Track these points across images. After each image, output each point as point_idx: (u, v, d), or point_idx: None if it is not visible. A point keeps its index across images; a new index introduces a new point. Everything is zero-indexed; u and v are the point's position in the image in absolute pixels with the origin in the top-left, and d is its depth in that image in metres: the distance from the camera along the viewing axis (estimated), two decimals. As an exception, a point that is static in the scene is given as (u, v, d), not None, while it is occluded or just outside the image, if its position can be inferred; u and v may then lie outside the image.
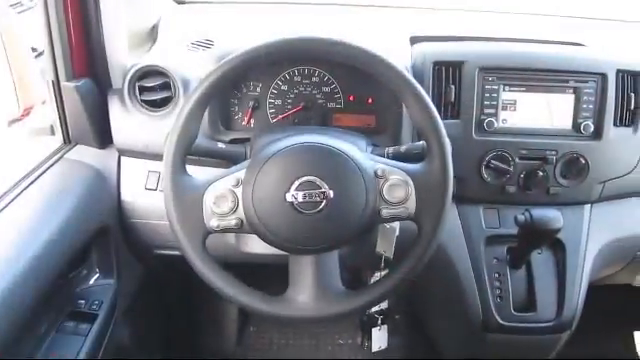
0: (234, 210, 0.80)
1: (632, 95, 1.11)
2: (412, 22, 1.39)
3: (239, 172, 0.81)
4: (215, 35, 1.20)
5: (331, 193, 0.77)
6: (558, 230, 0.98)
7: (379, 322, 1.26)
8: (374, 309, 1.26)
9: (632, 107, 1.11)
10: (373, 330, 1.25)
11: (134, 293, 1.32)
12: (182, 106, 0.81)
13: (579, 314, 1.12)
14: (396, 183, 0.81)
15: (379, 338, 1.25)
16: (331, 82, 1.09)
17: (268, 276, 1.05)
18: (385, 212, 0.81)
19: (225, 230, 0.81)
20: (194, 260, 0.80)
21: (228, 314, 1.77)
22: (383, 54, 0.82)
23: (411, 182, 0.81)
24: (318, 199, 0.77)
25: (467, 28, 1.31)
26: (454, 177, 1.08)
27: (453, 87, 1.07)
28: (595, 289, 1.38)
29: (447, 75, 1.08)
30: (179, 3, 1.48)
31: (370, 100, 1.10)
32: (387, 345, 1.27)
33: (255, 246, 1.11)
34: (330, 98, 1.10)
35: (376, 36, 1.27)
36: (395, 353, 1.66)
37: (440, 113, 1.06)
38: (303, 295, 0.82)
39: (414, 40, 1.21)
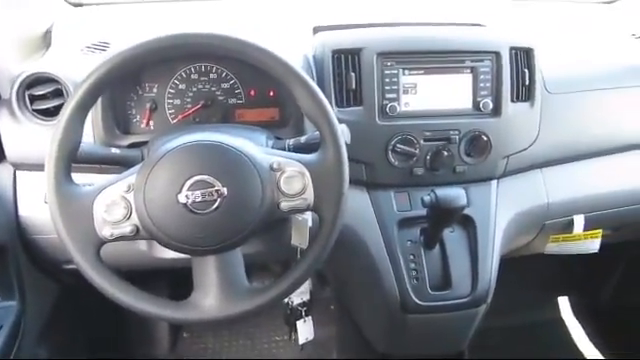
0: (128, 217, 0.77)
1: (526, 71, 1.15)
2: (317, 12, 1.39)
3: (130, 177, 0.78)
4: (112, 37, 1.16)
5: (225, 191, 0.75)
6: (463, 207, 1.00)
7: (303, 314, 1.26)
8: (296, 302, 1.26)
9: (527, 83, 1.15)
10: (298, 323, 1.25)
11: (50, 310, 1.26)
12: (61, 112, 0.77)
13: (493, 287, 1.15)
14: (292, 175, 0.80)
15: (305, 330, 1.25)
16: (230, 78, 1.07)
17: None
18: (284, 205, 0.80)
19: (120, 238, 0.78)
20: (88, 272, 0.77)
21: (158, 321, 1.73)
22: (269, 47, 0.81)
23: (307, 173, 0.80)
24: (212, 198, 0.75)
25: (370, 15, 1.32)
26: (363, 163, 1.12)
27: (353, 74, 1.08)
28: (515, 260, 1.44)
29: (347, 63, 1.08)
30: (75, 6, 1.41)
31: (272, 93, 1.09)
32: (314, 336, 1.27)
33: (167, 251, 1.07)
34: (230, 94, 1.08)
35: (280, 28, 1.27)
36: (329, 343, 1.67)
37: (342, 101, 1.09)
38: (208, 297, 0.80)
39: (317, 30, 1.20)
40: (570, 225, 1.27)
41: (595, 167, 1.27)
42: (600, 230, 1.32)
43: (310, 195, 0.81)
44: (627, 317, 1.83)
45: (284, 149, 0.94)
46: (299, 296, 1.28)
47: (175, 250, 0.80)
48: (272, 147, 0.95)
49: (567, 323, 1.90)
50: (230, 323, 0.83)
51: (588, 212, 1.27)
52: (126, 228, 0.77)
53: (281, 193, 0.80)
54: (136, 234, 0.78)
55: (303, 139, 0.93)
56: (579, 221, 1.26)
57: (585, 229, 1.28)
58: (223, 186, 0.75)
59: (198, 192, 0.75)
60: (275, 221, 1.00)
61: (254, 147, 0.81)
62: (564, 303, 1.95)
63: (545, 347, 1.81)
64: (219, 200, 0.75)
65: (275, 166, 0.80)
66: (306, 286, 1.31)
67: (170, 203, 0.75)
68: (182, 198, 0.75)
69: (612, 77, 1.28)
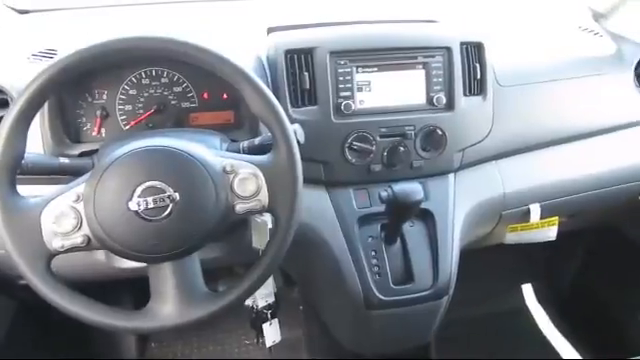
0: (78, 227, 0.75)
1: (477, 65, 1.17)
2: (272, 13, 1.39)
3: (79, 186, 0.76)
4: (59, 44, 1.13)
5: (177, 196, 0.74)
6: (420, 202, 1.01)
7: (269, 317, 1.25)
8: (261, 305, 1.26)
9: (478, 77, 1.17)
10: (264, 326, 1.24)
11: (8, 328, 1.23)
12: (2, 122, 0.75)
13: (454, 279, 1.16)
14: (246, 177, 0.80)
15: (272, 332, 1.25)
16: (182, 81, 1.06)
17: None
18: (239, 207, 0.80)
19: (72, 249, 0.76)
20: (38, 286, 0.75)
21: (125, 333, 1.69)
22: (216, 49, 0.80)
23: (261, 174, 0.80)
24: (164, 204, 0.74)
25: (323, 15, 1.32)
26: (320, 163, 1.12)
27: (307, 74, 1.08)
28: (478, 251, 1.46)
29: (300, 62, 1.08)
30: (21, 13, 1.38)
31: (225, 96, 1.08)
32: (282, 337, 1.27)
33: (125, 261, 1.05)
34: (183, 98, 1.07)
35: (234, 29, 1.26)
36: (299, 344, 1.67)
37: (297, 101, 1.09)
38: (166, 304, 0.79)
39: (270, 31, 1.20)
40: (527, 214, 1.30)
41: (548, 156, 1.29)
42: (556, 218, 1.35)
43: (264, 196, 0.81)
44: (588, 302, 1.88)
45: (239, 151, 0.93)
46: (264, 299, 1.27)
47: (130, 259, 0.78)
48: (227, 150, 0.94)
49: (532, 310, 1.94)
50: (190, 329, 0.82)
51: (544, 200, 1.30)
52: (77, 239, 0.75)
53: (235, 195, 0.80)
54: (88, 244, 0.76)
55: (257, 141, 0.93)
56: (535, 210, 1.29)
57: (542, 217, 1.31)
58: (175, 191, 0.74)
59: (149, 198, 0.73)
60: (233, 224, 1.00)
61: (206, 150, 0.81)
62: (528, 291, 1.99)
63: (511, 335, 1.84)
64: (171, 206, 0.74)
65: (228, 169, 0.80)
66: (270, 288, 1.30)
67: (121, 211, 0.74)
68: (133, 205, 0.73)
69: (560, 69, 1.31)
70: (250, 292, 0.83)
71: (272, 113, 0.80)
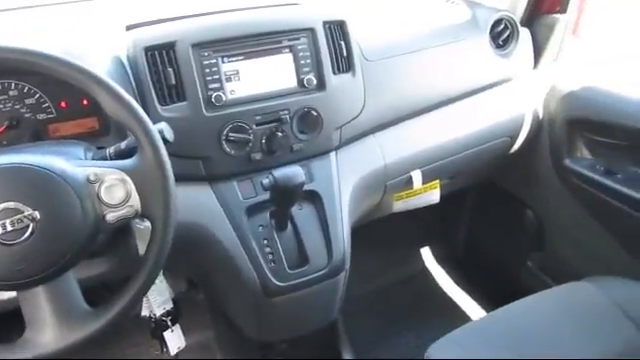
0: None
1: (342, 43, 1.19)
2: (133, 10, 1.32)
3: None
4: None
5: (37, 214, 0.69)
6: (302, 184, 1.02)
7: (169, 324, 1.21)
8: (159, 313, 1.22)
9: (345, 54, 1.19)
10: (165, 334, 1.20)
11: None
12: None
13: (349, 254, 1.19)
14: (113, 184, 0.76)
15: (174, 339, 1.21)
16: (34, 92, 0.99)
17: None
18: (110, 216, 0.76)
19: None
20: None
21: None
22: (60, 54, 0.75)
23: (128, 179, 0.77)
24: (23, 225, 0.69)
25: (184, 7, 1.29)
26: (199, 159, 1.09)
27: (171, 70, 1.04)
28: (372, 224, 1.51)
29: (162, 58, 1.05)
30: None
31: (85, 102, 1.02)
32: (184, 343, 1.24)
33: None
34: (38, 109, 0.99)
35: (91, 30, 1.19)
36: (212, 344, 1.64)
37: (164, 98, 1.05)
38: (44, 330, 0.75)
39: (129, 28, 1.15)
40: (410, 181, 1.35)
41: (422, 124, 1.35)
42: (437, 181, 1.42)
43: (136, 201, 0.78)
44: (482, 256, 2.00)
45: (106, 158, 0.88)
46: (161, 307, 1.23)
47: None
48: (92, 158, 0.89)
49: (432, 272, 2.03)
50: (76, 352, 0.78)
51: (423, 166, 1.36)
52: None
53: (104, 205, 0.76)
54: None
55: (123, 144, 0.89)
56: (417, 176, 1.35)
57: (424, 182, 1.37)
58: (34, 209, 0.69)
59: (6, 221, 0.68)
60: (113, 235, 0.96)
61: (64, 162, 0.76)
62: (426, 254, 2.09)
63: (417, 299, 1.92)
64: (32, 225, 0.69)
65: (92, 178, 0.75)
66: (167, 295, 1.26)
67: None
68: None
69: (423, 39, 1.36)
70: (135, 301, 0.80)
71: (130, 114, 0.77)
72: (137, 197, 0.77)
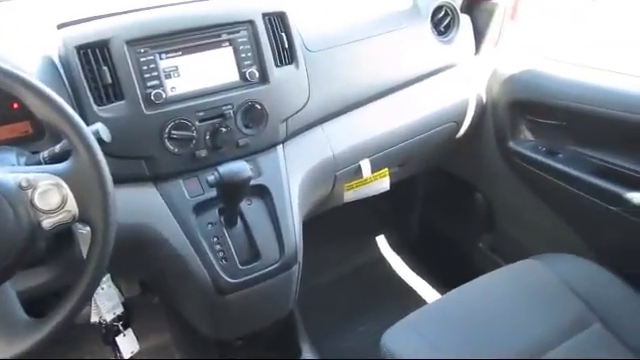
0: None
1: (283, 35, 1.17)
2: (63, 8, 1.27)
3: None
4: None
5: None
6: (248, 179, 1.00)
7: (121, 328, 1.19)
8: (110, 319, 1.19)
9: (287, 46, 1.18)
10: (117, 339, 1.17)
11: None
12: None
13: (301, 246, 1.18)
14: (47, 189, 0.73)
15: (127, 343, 1.19)
16: None
17: None
18: (46, 222, 0.73)
19: None
20: None
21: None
22: None
23: (63, 183, 0.74)
24: None
25: (119, 4, 1.25)
26: (142, 158, 1.06)
27: (106, 68, 1.01)
28: (325, 215, 1.51)
29: (96, 57, 1.01)
30: None
31: (16, 106, 0.97)
32: (138, 347, 1.21)
33: None
34: None
35: (19, 29, 1.14)
36: (170, 345, 1.61)
37: (101, 98, 1.01)
38: None
39: (61, 26, 1.10)
40: (359, 171, 1.36)
41: (368, 113, 1.35)
42: (386, 169, 1.43)
43: (73, 205, 0.75)
44: (436, 240, 2.04)
45: (40, 163, 0.85)
46: (110, 312, 1.20)
47: None
48: (26, 164, 0.86)
49: (388, 259, 2.05)
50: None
51: (372, 155, 1.36)
52: None
53: (39, 211, 0.73)
54: None
55: (58, 148, 0.85)
56: (365, 165, 1.35)
57: (373, 171, 1.38)
58: None
59: None
60: (54, 242, 0.92)
61: None
62: (382, 242, 2.10)
63: (374, 286, 1.93)
64: None
65: (24, 184, 0.72)
66: (116, 299, 1.23)
67: None
68: None
69: (365, 28, 1.36)
70: (79, 309, 0.78)
71: (60, 117, 0.74)
72: (74, 201, 0.75)
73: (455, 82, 1.50)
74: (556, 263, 1.24)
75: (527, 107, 1.45)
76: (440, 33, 1.47)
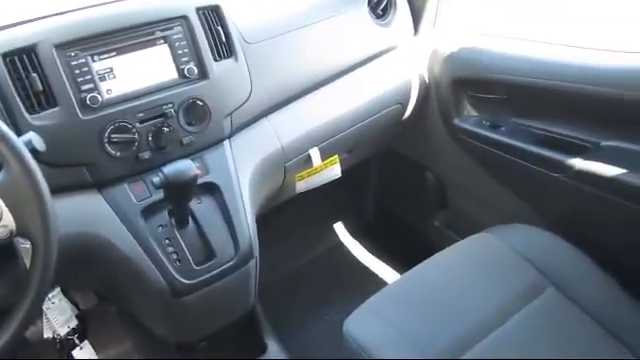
0: None
1: (220, 28, 1.15)
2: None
3: None
4: None
5: None
6: (194, 177, 0.98)
7: (77, 342, 1.15)
8: (64, 332, 1.15)
9: (224, 40, 1.16)
10: (73, 353, 1.14)
11: None
12: None
13: (256, 241, 1.17)
14: None
15: (84, 356, 1.15)
16: None
17: None
18: None
19: None
20: None
21: None
22: None
23: None
24: None
25: (45, 8, 1.20)
26: (82, 165, 1.03)
27: (36, 75, 0.97)
28: (281, 208, 1.50)
29: (24, 64, 0.97)
30: None
31: None
32: (97, 357, 1.18)
33: None
34: None
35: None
36: (133, 354, 1.58)
37: (33, 106, 0.97)
38: None
39: None
40: (309, 160, 1.35)
41: (313, 101, 1.35)
42: (336, 156, 1.43)
43: (9, 220, 0.72)
44: (392, 222, 2.06)
45: None
46: (64, 325, 1.16)
47: None
48: None
49: (347, 246, 2.06)
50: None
51: (320, 143, 1.36)
52: None
53: None
54: None
55: None
56: (315, 153, 1.35)
57: (323, 159, 1.38)
58: None
59: None
60: None
61: None
62: (340, 229, 2.11)
63: (335, 274, 1.94)
64: None
65: None
66: (69, 312, 1.20)
67: None
68: None
69: (303, 15, 1.35)
70: (26, 325, 0.75)
71: None
72: (10, 216, 0.72)
73: (397, 64, 1.52)
74: (508, 234, 1.27)
75: (468, 84, 1.48)
76: (378, 16, 1.47)
